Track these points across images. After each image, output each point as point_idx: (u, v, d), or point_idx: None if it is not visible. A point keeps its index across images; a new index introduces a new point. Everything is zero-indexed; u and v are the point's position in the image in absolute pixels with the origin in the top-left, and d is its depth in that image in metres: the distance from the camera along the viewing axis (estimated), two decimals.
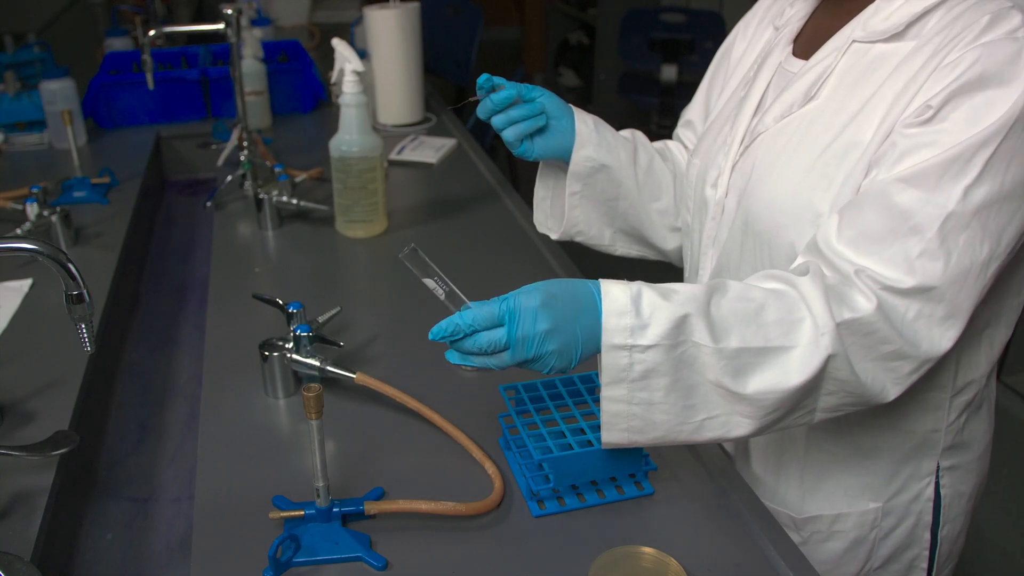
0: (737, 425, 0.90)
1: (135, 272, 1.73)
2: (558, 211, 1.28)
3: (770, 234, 1.03)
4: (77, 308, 0.87)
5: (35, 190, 1.60)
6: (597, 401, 1.06)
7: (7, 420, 1.13)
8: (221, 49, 2.43)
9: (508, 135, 1.15)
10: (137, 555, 1.08)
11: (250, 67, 2.19)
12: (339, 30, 3.18)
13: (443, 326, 0.88)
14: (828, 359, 0.86)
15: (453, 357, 0.90)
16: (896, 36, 0.96)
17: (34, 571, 0.86)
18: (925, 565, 1.14)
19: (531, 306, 0.86)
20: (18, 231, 1.56)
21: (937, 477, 1.10)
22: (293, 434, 1.13)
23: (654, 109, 4.38)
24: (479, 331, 0.87)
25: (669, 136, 1.36)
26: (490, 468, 1.03)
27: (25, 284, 1.46)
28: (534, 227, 1.68)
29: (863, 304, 0.88)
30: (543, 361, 0.87)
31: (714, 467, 1.06)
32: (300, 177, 1.85)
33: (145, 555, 1.08)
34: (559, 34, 6.04)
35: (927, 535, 1.12)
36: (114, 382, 1.40)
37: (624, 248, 1.31)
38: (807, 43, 1.08)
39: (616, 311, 0.86)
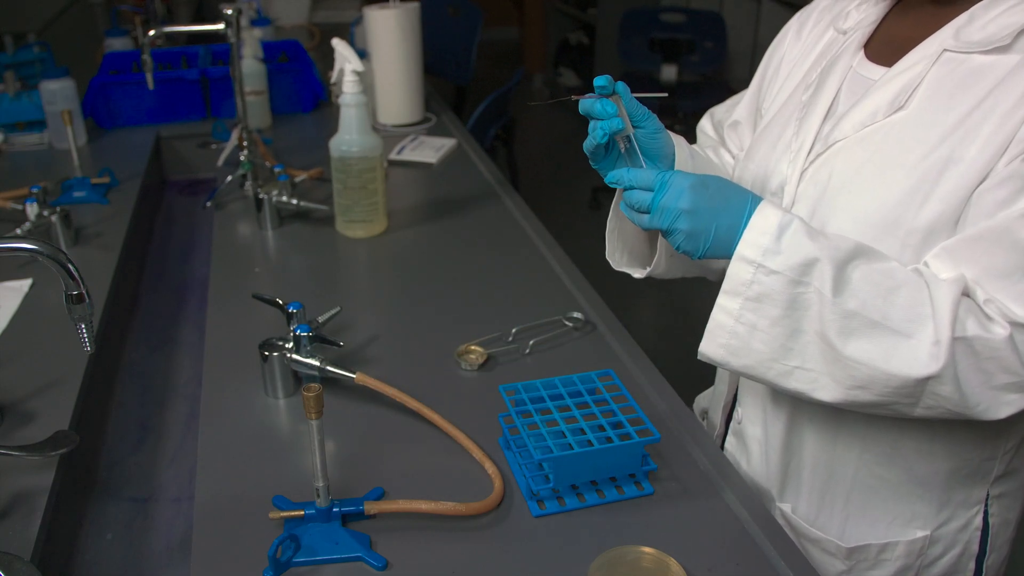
0: (824, 387, 0.92)
1: (135, 272, 1.73)
2: (628, 242, 1.17)
3: None
4: (77, 308, 0.87)
5: (35, 190, 1.60)
6: (597, 402, 1.06)
7: (7, 420, 1.13)
8: (221, 49, 2.43)
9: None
10: (137, 555, 1.08)
11: (250, 67, 2.19)
12: (339, 30, 3.18)
13: (616, 172, 0.97)
14: (932, 376, 0.86)
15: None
16: (999, 49, 0.91)
17: (34, 571, 0.86)
18: None
19: (681, 184, 0.92)
20: (18, 231, 1.56)
21: (986, 505, 1.07)
22: (293, 434, 1.13)
23: (654, 109, 4.37)
24: (635, 188, 0.94)
25: None
26: (490, 468, 1.03)
27: (25, 284, 1.46)
28: (533, 227, 1.68)
29: (996, 328, 0.87)
30: (673, 236, 0.93)
31: (714, 467, 1.06)
32: (300, 177, 1.85)
33: (145, 555, 1.08)
34: (559, 34, 6.04)
35: (972, 564, 1.09)
36: (114, 382, 1.40)
37: (682, 272, 1.18)
38: (883, 49, 1.02)
39: (760, 228, 0.90)
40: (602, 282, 1.48)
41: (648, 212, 0.93)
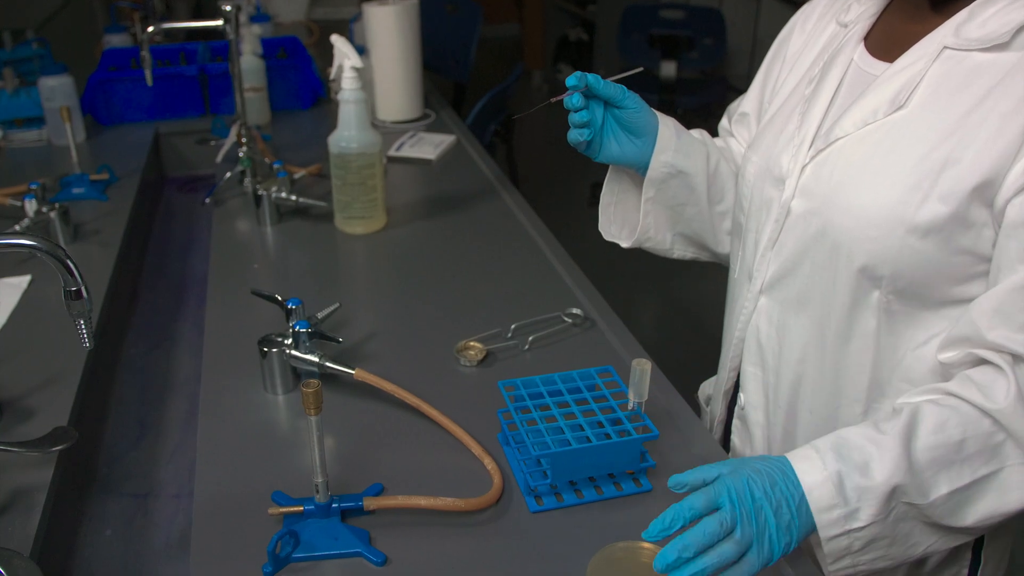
0: (958, 540, 0.93)
1: (134, 268, 1.73)
2: (620, 217, 1.25)
3: (852, 245, 0.97)
4: (76, 304, 0.87)
5: (34, 186, 1.59)
6: (596, 398, 1.07)
7: (6, 416, 1.13)
8: (220, 46, 2.43)
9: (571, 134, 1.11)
10: (137, 551, 1.08)
11: (249, 63, 2.18)
12: (338, 26, 3.17)
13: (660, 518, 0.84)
14: None
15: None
16: (999, 46, 0.90)
17: (33, 567, 0.86)
18: None
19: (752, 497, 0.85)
20: (17, 227, 1.56)
21: None
22: (292, 430, 1.13)
23: (653, 105, 4.37)
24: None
25: None
26: (489, 464, 1.04)
27: (24, 280, 1.46)
28: (532, 223, 1.68)
29: None
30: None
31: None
32: (299, 173, 1.85)
33: (145, 551, 1.08)
34: (558, 31, 6.04)
35: (968, 553, 1.09)
36: (113, 379, 1.40)
37: (681, 251, 1.26)
38: (882, 43, 1.03)
39: (825, 507, 0.86)
40: (601, 279, 1.48)
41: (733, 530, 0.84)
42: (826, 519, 0.86)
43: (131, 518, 1.13)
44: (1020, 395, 0.86)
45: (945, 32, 0.95)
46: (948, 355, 0.94)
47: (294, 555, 0.92)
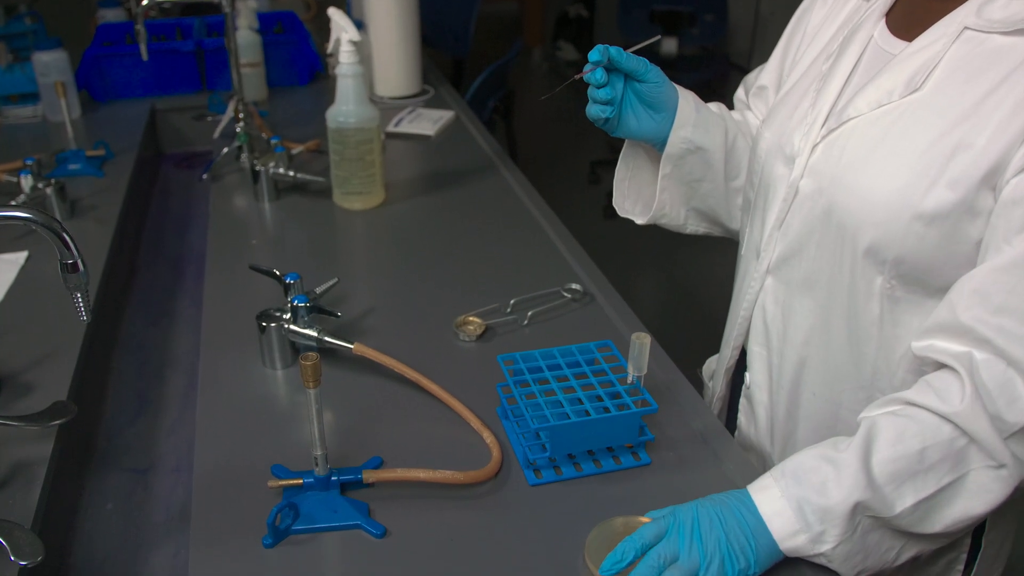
0: (937, 544, 0.93)
1: (132, 245, 1.73)
2: (634, 192, 1.24)
3: (857, 228, 0.96)
4: (72, 277, 0.87)
5: (29, 162, 1.59)
6: (596, 372, 1.06)
7: (5, 391, 1.13)
8: (216, 20, 2.42)
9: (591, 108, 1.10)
10: (137, 525, 1.08)
11: (245, 39, 2.17)
12: (335, 0, 3.16)
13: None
14: (1015, 486, 0.86)
15: None
16: (1020, 31, 0.88)
17: (35, 539, 0.86)
18: (962, 567, 1.11)
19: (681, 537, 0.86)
20: (13, 203, 1.56)
21: None
22: (291, 405, 1.13)
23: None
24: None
25: None
26: (488, 437, 1.04)
27: (21, 256, 1.46)
28: (531, 199, 1.68)
29: None
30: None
31: (711, 438, 1.06)
32: (297, 149, 1.85)
33: (145, 525, 1.08)
34: (558, 7, 6.00)
35: (968, 540, 1.09)
36: (112, 354, 1.40)
37: (694, 227, 1.25)
38: (903, 20, 1.00)
39: (788, 534, 0.86)
40: (601, 254, 1.48)
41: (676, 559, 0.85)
42: (791, 546, 0.86)
43: (131, 492, 1.13)
44: (976, 395, 0.85)
45: (967, 12, 0.92)
46: (920, 344, 0.92)
47: (294, 527, 0.92)
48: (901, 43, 0.98)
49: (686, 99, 1.13)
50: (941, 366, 0.90)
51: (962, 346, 0.88)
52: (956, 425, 0.85)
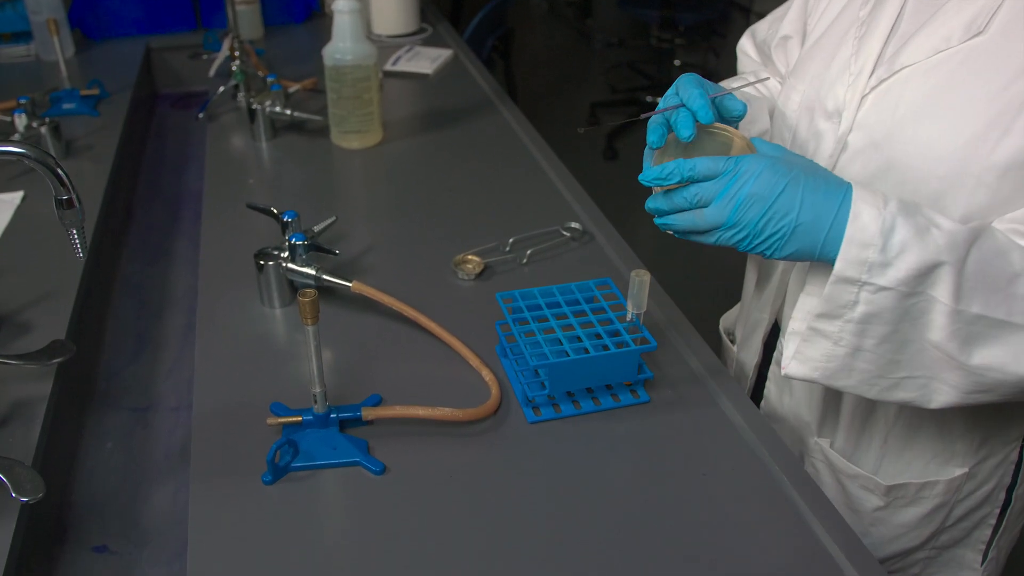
0: (937, 392, 0.86)
1: (128, 185, 1.72)
2: None
3: (918, 183, 0.90)
4: (68, 214, 0.86)
5: (23, 101, 1.57)
6: (595, 310, 1.06)
7: (4, 330, 1.12)
8: None
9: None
10: (137, 463, 1.09)
11: None
12: None
13: (656, 170, 0.82)
14: None
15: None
16: None
17: (35, 476, 0.87)
18: (994, 522, 1.11)
19: (756, 168, 0.81)
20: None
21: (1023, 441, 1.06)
22: (290, 343, 1.13)
23: (654, 23, 4.29)
24: (695, 181, 0.82)
25: (669, 49, 1.25)
26: (487, 375, 1.04)
27: (16, 196, 1.45)
28: (531, 138, 1.66)
29: None
30: (737, 231, 0.82)
31: (709, 375, 1.06)
32: (294, 88, 1.82)
33: (145, 463, 1.09)
34: None
35: (1003, 495, 1.09)
36: (110, 294, 1.40)
37: None
38: None
39: (860, 241, 0.80)
40: (600, 194, 1.47)
41: (707, 206, 0.82)
42: (853, 255, 0.80)
43: (131, 431, 1.14)
44: None
45: None
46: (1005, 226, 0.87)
47: (293, 464, 0.92)
48: None
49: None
50: None
51: None
52: None
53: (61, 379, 1.06)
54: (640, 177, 0.82)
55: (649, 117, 0.88)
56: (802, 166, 0.84)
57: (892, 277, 0.80)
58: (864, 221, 0.81)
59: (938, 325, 0.82)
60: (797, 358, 0.89)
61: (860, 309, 0.82)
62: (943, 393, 0.86)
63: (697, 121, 0.84)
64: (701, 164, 0.81)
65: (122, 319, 1.35)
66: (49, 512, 0.99)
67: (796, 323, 0.89)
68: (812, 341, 0.87)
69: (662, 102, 0.89)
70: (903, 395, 0.87)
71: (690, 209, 0.84)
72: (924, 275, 0.80)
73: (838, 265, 0.81)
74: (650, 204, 0.87)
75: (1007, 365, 0.82)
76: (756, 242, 0.84)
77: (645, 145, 0.90)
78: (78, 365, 1.15)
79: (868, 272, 0.81)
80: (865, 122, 0.95)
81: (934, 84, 0.89)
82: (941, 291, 0.80)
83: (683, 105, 0.86)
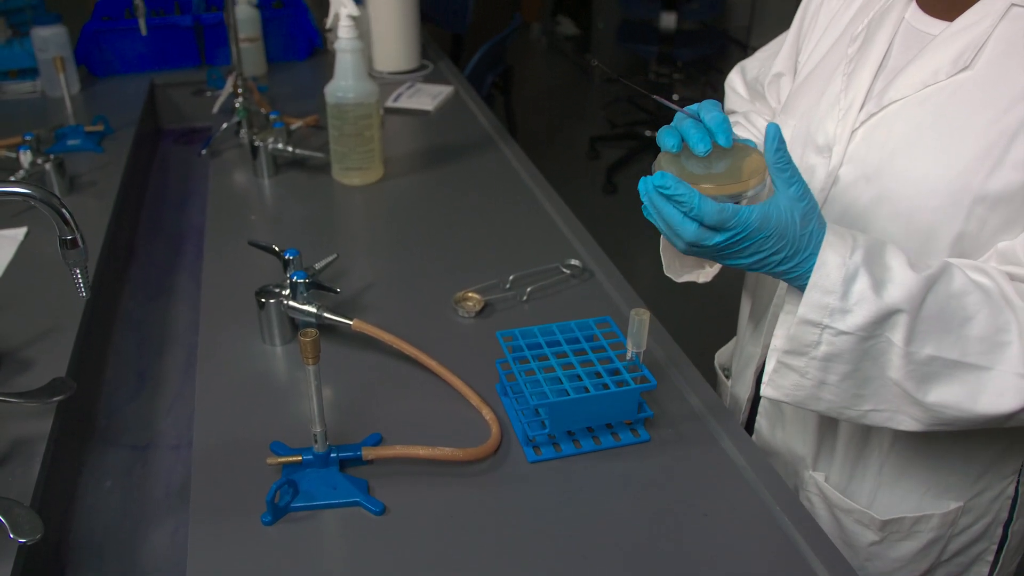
0: (902, 422, 0.89)
1: (131, 221, 1.72)
2: (684, 261, 1.15)
3: (912, 215, 0.91)
4: (71, 253, 0.87)
5: (28, 138, 1.58)
6: (595, 348, 1.06)
7: (4, 367, 1.13)
8: None
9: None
10: (137, 501, 1.09)
11: (244, 13, 2.15)
12: None
13: (672, 181, 0.81)
14: (1022, 409, 0.84)
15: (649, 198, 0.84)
16: None
17: (34, 516, 0.87)
18: (991, 558, 1.11)
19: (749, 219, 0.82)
20: (12, 179, 1.55)
21: (1020, 476, 1.07)
22: (290, 381, 1.13)
23: (653, 58, 4.33)
24: (699, 224, 0.82)
25: (667, 85, 1.28)
26: (487, 414, 1.04)
27: (20, 232, 1.46)
28: (530, 174, 1.67)
29: None
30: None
31: (710, 414, 1.06)
32: (296, 124, 1.84)
33: (145, 501, 1.09)
34: None
35: (1000, 531, 1.09)
36: (111, 331, 1.40)
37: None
38: (938, 1, 0.95)
39: (823, 287, 0.83)
40: (600, 228, 1.48)
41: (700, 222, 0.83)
42: (815, 300, 0.84)
43: (131, 469, 1.14)
44: None
45: None
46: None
47: (293, 504, 0.92)
48: (939, 23, 0.94)
49: None
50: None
51: None
52: (1017, 319, 0.84)
53: (61, 416, 1.06)
54: (648, 179, 0.83)
55: (679, 110, 0.88)
56: (797, 221, 0.84)
57: (851, 323, 0.84)
58: (828, 269, 0.84)
59: (895, 365, 0.85)
60: (771, 384, 0.93)
61: (823, 349, 0.86)
62: (907, 424, 0.90)
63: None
64: (708, 209, 0.81)
65: (123, 355, 1.35)
66: (47, 551, 0.98)
67: (778, 340, 0.92)
68: (781, 372, 0.91)
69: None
70: (871, 422, 0.91)
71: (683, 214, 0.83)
72: (881, 321, 0.84)
73: (801, 308, 0.86)
74: (645, 185, 0.85)
75: (962, 403, 0.85)
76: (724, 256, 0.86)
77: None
78: (78, 402, 1.15)
79: (830, 317, 0.84)
80: (856, 156, 0.97)
81: (923, 118, 0.92)
82: (897, 335, 0.84)
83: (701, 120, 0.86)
